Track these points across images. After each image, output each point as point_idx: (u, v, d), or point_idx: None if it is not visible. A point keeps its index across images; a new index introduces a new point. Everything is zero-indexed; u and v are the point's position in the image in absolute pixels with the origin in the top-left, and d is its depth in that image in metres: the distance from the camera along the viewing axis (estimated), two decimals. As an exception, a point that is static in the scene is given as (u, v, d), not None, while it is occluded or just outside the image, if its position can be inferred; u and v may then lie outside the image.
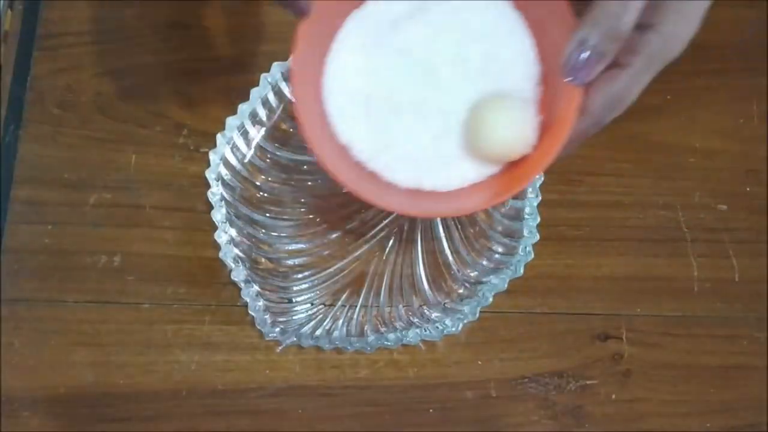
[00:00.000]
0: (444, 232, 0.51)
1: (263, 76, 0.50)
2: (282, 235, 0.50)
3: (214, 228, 0.48)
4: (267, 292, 0.49)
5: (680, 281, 0.52)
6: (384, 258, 0.50)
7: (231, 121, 0.50)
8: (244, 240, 0.49)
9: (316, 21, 0.39)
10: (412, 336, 0.48)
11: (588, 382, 0.50)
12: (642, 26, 0.39)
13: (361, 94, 0.42)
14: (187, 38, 0.54)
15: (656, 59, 0.40)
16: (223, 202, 0.49)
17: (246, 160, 0.50)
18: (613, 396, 0.50)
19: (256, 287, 0.48)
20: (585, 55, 0.38)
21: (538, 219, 0.49)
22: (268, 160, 0.51)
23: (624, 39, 0.38)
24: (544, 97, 0.42)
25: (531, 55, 0.42)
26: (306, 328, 0.48)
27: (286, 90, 0.50)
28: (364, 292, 0.50)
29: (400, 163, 0.41)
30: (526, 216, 0.49)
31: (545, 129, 0.41)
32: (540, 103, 0.42)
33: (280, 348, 0.49)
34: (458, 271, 0.50)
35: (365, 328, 0.49)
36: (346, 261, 0.50)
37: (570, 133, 0.40)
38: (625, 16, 0.37)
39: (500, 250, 0.50)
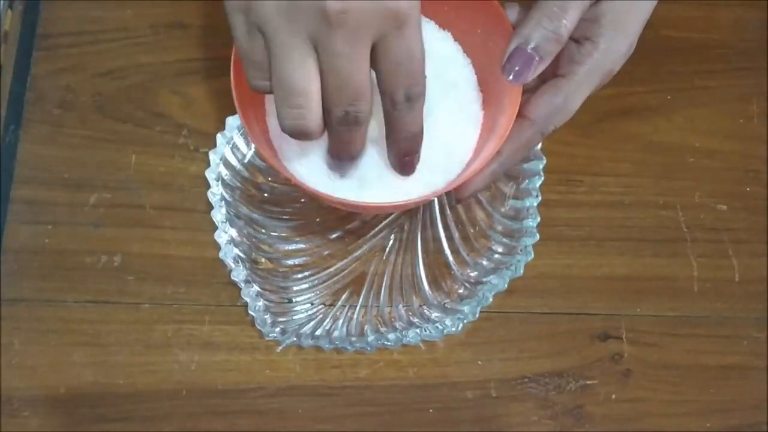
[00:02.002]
0: (444, 232, 0.51)
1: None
2: (282, 235, 0.50)
3: (214, 228, 0.48)
4: (267, 292, 0.49)
5: (680, 281, 0.52)
6: (384, 258, 0.50)
7: (231, 121, 0.50)
8: (244, 240, 0.49)
9: None
10: (412, 336, 0.48)
11: (588, 382, 0.50)
12: (581, 39, 0.41)
13: None
14: (187, 38, 0.54)
15: (597, 71, 0.41)
16: (223, 202, 0.49)
17: (246, 160, 0.50)
18: (613, 396, 0.50)
19: (256, 287, 0.48)
20: (525, 54, 0.39)
21: (538, 219, 0.49)
22: (268, 160, 0.51)
23: (563, 42, 0.40)
24: (486, 113, 0.44)
25: (473, 78, 0.44)
26: (306, 328, 0.48)
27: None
28: (364, 292, 0.50)
29: (342, 181, 0.42)
30: (526, 216, 0.49)
31: (487, 137, 0.43)
32: (482, 119, 0.44)
33: (280, 348, 0.49)
34: (458, 271, 0.50)
35: (365, 328, 0.49)
36: (346, 261, 0.50)
37: (515, 141, 0.42)
38: (564, 19, 0.39)
39: (500, 250, 0.50)
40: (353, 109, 0.35)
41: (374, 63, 0.35)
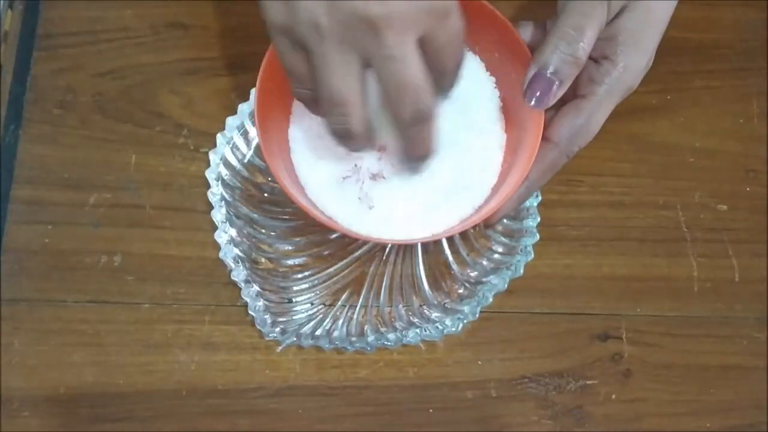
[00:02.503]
0: (444, 232, 0.51)
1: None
2: (282, 235, 0.50)
3: (214, 228, 0.48)
4: (267, 292, 0.49)
5: (680, 281, 0.52)
6: (384, 258, 0.50)
7: (231, 121, 0.50)
8: (244, 240, 0.49)
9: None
10: (412, 336, 0.48)
11: (588, 382, 0.50)
12: (599, 58, 0.41)
13: (319, 143, 0.43)
14: (187, 38, 0.54)
15: (616, 89, 0.42)
16: (223, 202, 0.49)
17: (246, 160, 0.50)
18: (613, 396, 0.50)
19: (256, 287, 0.48)
20: (545, 79, 0.39)
21: (538, 219, 0.49)
22: (268, 160, 0.51)
23: (582, 64, 0.40)
24: (509, 135, 0.44)
25: (496, 99, 0.44)
26: (306, 328, 0.48)
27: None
28: (364, 292, 0.50)
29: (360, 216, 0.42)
30: (526, 216, 0.49)
31: (511, 161, 0.43)
32: (505, 142, 0.44)
33: (280, 348, 0.49)
34: (458, 271, 0.50)
35: (365, 328, 0.49)
36: (346, 261, 0.50)
37: (540, 164, 0.42)
38: (581, 41, 0.39)
39: (500, 250, 0.50)
40: (421, 106, 0.36)
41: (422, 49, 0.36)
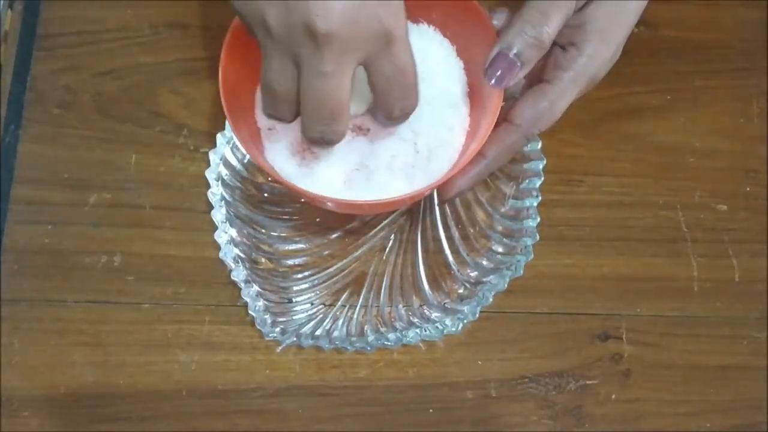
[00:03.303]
0: (444, 232, 0.51)
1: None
2: (282, 235, 0.50)
3: (214, 228, 0.48)
4: (267, 292, 0.49)
5: (680, 281, 0.52)
6: (384, 258, 0.50)
7: (231, 121, 0.50)
8: (244, 240, 0.49)
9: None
10: (412, 336, 0.48)
11: (588, 382, 0.50)
12: (566, 45, 0.41)
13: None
14: (187, 38, 0.54)
15: (581, 77, 0.42)
16: (223, 202, 0.49)
17: (246, 160, 0.50)
18: (613, 396, 0.50)
19: (256, 287, 0.48)
20: (507, 60, 0.40)
21: (538, 219, 0.49)
22: (268, 160, 0.50)
23: (545, 48, 0.40)
24: (471, 118, 0.44)
25: (464, 81, 0.44)
26: (306, 328, 0.48)
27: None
28: (364, 292, 0.50)
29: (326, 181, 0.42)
30: (526, 216, 0.49)
31: (470, 141, 0.43)
32: (468, 125, 0.44)
33: (280, 348, 0.49)
34: (458, 271, 0.50)
35: (365, 328, 0.49)
36: (346, 261, 0.50)
37: (500, 144, 0.42)
38: (546, 26, 0.40)
39: (500, 250, 0.50)
40: (328, 129, 0.36)
41: (368, 78, 0.37)
